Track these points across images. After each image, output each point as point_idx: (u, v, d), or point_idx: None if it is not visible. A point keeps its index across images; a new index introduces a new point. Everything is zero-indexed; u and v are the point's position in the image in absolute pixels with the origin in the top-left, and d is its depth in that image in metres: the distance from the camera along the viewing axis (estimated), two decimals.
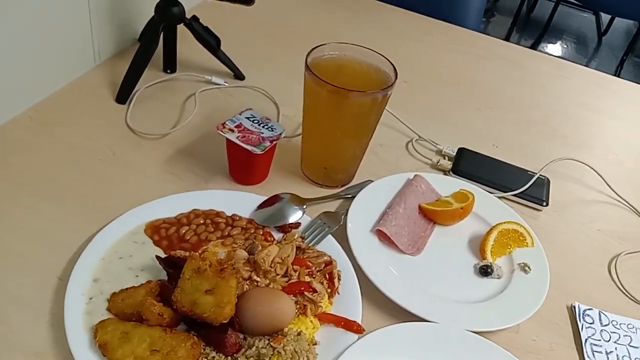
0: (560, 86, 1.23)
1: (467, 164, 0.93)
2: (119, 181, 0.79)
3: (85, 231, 0.70)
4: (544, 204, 0.89)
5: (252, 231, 0.74)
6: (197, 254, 0.64)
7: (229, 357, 0.58)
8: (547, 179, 0.93)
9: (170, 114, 0.92)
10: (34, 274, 0.65)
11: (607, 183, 0.94)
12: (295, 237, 0.72)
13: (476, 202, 0.82)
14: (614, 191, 0.94)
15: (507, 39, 3.19)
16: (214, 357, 0.58)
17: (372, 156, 0.91)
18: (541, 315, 0.71)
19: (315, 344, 0.62)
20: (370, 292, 0.69)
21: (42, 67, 0.87)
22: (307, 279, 0.67)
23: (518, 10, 3.35)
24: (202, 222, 0.73)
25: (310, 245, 0.72)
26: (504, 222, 0.80)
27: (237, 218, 0.75)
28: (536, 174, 0.92)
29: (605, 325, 0.73)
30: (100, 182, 0.78)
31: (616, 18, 3.53)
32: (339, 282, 0.68)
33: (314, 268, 0.68)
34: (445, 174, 0.92)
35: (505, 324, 0.69)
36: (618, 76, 1.32)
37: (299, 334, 0.61)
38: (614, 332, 0.73)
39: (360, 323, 0.65)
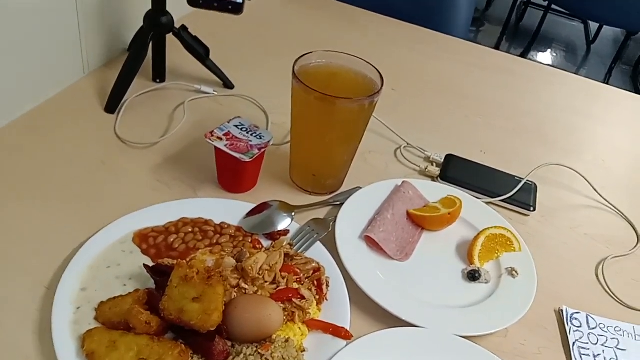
0: (549, 93, 1.25)
1: (455, 170, 0.93)
2: (107, 190, 0.79)
3: (74, 239, 0.70)
4: (531, 209, 0.90)
5: (241, 239, 0.74)
6: (185, 261, 0.64)
7: None
8: (535, 184, 0.94)
9: (160, 123, 0.92)
10: (22, 282, 0.65)
11: (594, 188, 0.95)
12: (284, 244, 0.72)
13: (464, 207, 0.83)
14: (601, 196, 0.95)
15: (497, 47, 3.22)
16: None
17: (361, 163, 0.91)
18: (529, 319, 0.72)
19: (304, 350, 0.62)
20: (359, 298, 0.69)
21: (32, 76, 0.87)
22: (295, 285, 0.67)
23: (507, 20, 3.39)
24: (190, 230, 0.73)
25: (298, 252, 0.72)
26: (492, 227, 0.80)
27: (226, 226, 0.75)
28: (523, 179, 0.93)
29: (593, 328, 0.74)
30: (89, 190, 0.78)
31: (604, 26, 3.57)
32: (327, 288, 0.69)
33: (302, 275, 0.68)
34: (433, 180, 0.93)
35: (493, 329, 0.69)
36: (607, 84, 1.34)
37: (287, 340, 0.61)
38: (602, 335, 0.73)
39: (348, 329, 0.65)
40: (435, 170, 0.94)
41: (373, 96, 0.75)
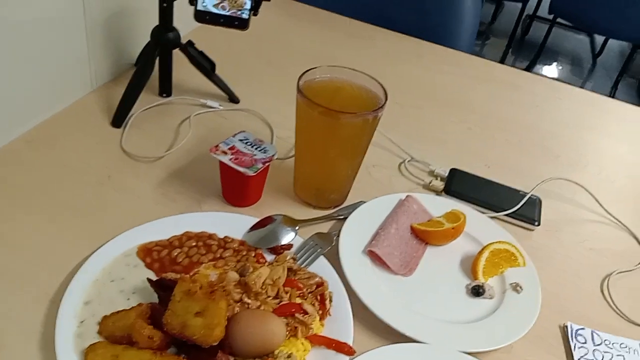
0: (554, 107, 1.25)
1: (459, 185, 0.93)
2: (113, 204, 0.80)
3: (79, 253, 0.70)
4: (536, 223, 0.89)
5: (244, 253, 0.74)
6: (188, 276, 0.64)
7: None
8: (539, 198, 0.94)
9: (165, 137, 0.93)
10: (26, 295, 0.66)
11: (598, 202, 0.95)
12: (287, 258, 0.72)
13: (468, 222, 0.83)
14: (606, 210, 0.95)
15: (502, 61, 3.23)
16: None
17: (365, 177, 0.92)
18: (534, 335, 0.71)
19: None
20: (362, 313, 0.69)
21: (39, 91, 0.88)
22: (299, 300, 0.67)
23: (513, 33, 3.40)
24: (194, 244, 0.74)
25: (302, 266, 0.73)
26: (496, 242, 0.80)
27: (229, 240, 0.76)
28: (528, 193, 0.93)
29: (598, 344, 0.73)
30: (94, 204, 0.79)
31: (610, 39, 3.58)
32: (330, 303, 0.68)
33: (305, 289, 0.69)
34: (437, 194, 0.93)
35: (497, 345, 0.69)
36: (613, 97, 1.34)
37: (289, 355, 0.61)
38: (607, 352, 0.72)
39: (351, 345, 0.65)
40: (440, 185, 0.94)
41: (377, 111, 0.75)
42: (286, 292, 0.67)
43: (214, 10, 0.84)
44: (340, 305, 0.69)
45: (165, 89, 1.00)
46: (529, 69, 3.36)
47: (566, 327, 0.75)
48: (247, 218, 0.79)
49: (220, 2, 0.84)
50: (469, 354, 0.66)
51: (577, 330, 0.74)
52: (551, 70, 3.58)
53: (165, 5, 0.90)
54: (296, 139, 0.82)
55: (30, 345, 0.61)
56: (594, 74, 3.62)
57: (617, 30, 2.85)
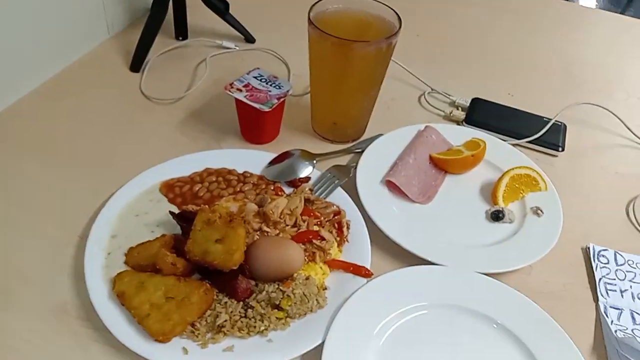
0: (584, 34, 1.20)
1: (481, 114, 0.92)
2: (135, 145, 0.82)
3: (104, 192, 0.73)
4: (560, 149, 0.88)
5: (263, 187, 0.76)
6: (207, 207, 0.66)
7: (241, 302, 0.61)
8: (564, 124, 0.92)
9: (183, 80, 0.94)
10: (56, 233, 0.69)
11: (626, 125, 0.92)
12: (305, 189, 0.73)
13: (489, 150, 0.82)
14: (634, 133, 0.92)
15: None
16: (226, 302, 0.61)
17: (384, 110, 0.91)
18: (554, 257, 0.71)
19: (325, 288, 0.64)
20: (380, 240, 0.70)
21: (56, 40, 0.89)
22: (316, 228, 0.68)
23: None
24: (214, 179, 0.75)
25: (319, 197, 0.74)
26: (516, 168, 0.79)
27: (249, 175, 0.77)
28: (551, 119, 0.90)
29: (621, 264, 0.73)
30: (117, 146, 0.81)
31: None
32: (348, 230, 0.70)
33: (322, 218, 0.70)
34: (458, 124, 0.92)
35: (516, 266, 0.69)
36: None
37: (307, 278, 0.62)
38: (630, 271, 0.72)
39: (369, 268, 0.66)
40: (461, 115, 0.92)
41: (390, 38, 0.74)
42: (304, 221, 0.68)
43: None
44: (358, 232, 0.70)
45: (181, 32, 1.00)
46: None
47: (588, 248, 0.74)
48: (265, 154, 0.80)
49: None
50: (488, 275, 0.67)
51: (599, 251, 0.74)
52: (588, 0, 3.39)
53: None
54: (310, 73, 0.81)
55: (62, 276, 0.64)
56: (634, 3, 3.43)
57: None
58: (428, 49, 1.08)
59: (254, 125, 0.82)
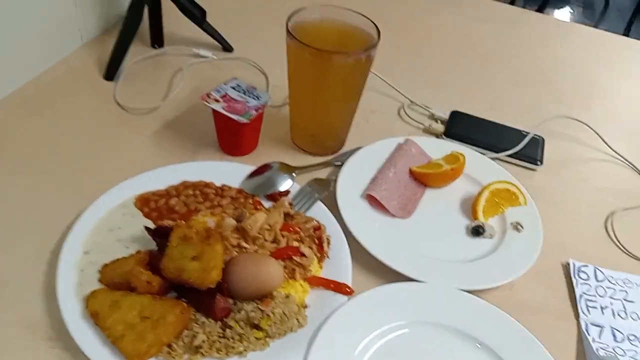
0: (561, 47, 1.21)
1: (460, 127, 0.92)
2: (109, 156, 0.79)
3: (77, 205, 0.70)
4: (538, 163, 0.88)
5: (242, 200, 0.74)
6: (184, 222, 0.64)
7: (219, 322, 0.59)
8: (542, 138, 0.92)
9: (158, 89, 0.91)
10: (28, 248, 0.66)
11: (603, 140, 0.93)
12: (284, 204, 0.72)
13: (469, 163, 0.81)
14: (611, 148, 0.93)
15: (511, 4, 3.13)
16: (204, 322, 0.59)
17: (363, 123, 0.90)
18: (535, 273, 0.71)
19: (306, 306, 0.63)
20: (361, 255, 0.69)
21: (29, 48, 0.86)
22: (296, 244, 0.67)
23: None
24: (191, 193, 0.73)
25: (299, 211, 0.72)
26: (496, 182, 0.79)
27: (227, 188, 0.75)
28: (530, 133, 0.91)
29: (601, 281, 0.73)
30: (90, 158, 0.78)
31: None
32: (328, 246, 0.68)
33: (302, 233, 0.68)
34: (437, 137, 0.91)
35: (497, 282, 0.68)
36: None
37: (287, 296, 0.61)
38: (610, 288, 0.72)
39: (350, 285, 0.65)
40: (440, 128, 0.92)
41: (369, 50, 0.73)
42: (283, 237, 0.67)
43: None
44: (339, 248, 0.69)
45: (157, 39, 0.98)
46: (539, 12, 3.26)
47: (568, 264, 0.74)
48: (244, 166, 0.78)
49: None
50: (469, 292, 0.66)
51: (579, 267, 0.74)
52: (563, 13, 3.47)
53: None
54: (289, 84, 0.80)
55: (33, 294, 0.62)
56: (607, 16, 3.51)
57: None
58: (407, 61, 1.08)
59: (232, 136, 0.80)
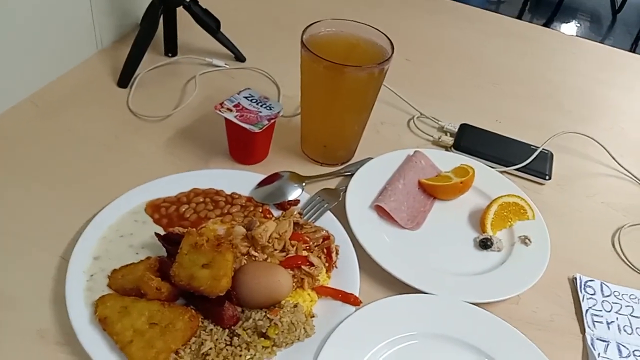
0: (569, 62, 1.22)
1: (469, 140, 0.92)
2: (120, 163, 0.80)
3: (87, 211, 0.71)
4: (547, 177, 0.88)
5: (252, 209, 0.74)
6: (195, 229, 0.65)
7: (227, 330, 0.59)
8: (551, 152, 0.92)
9: (171, 97, 0.92)
10: (37, 253, 0.67)
11: (611, 155, 0.93)
12: (294, 213, 0.73)
13: (477, 176, 0.82)
14: (619, 164, 0.93)
15: (519, 18, 3.14)
16: (212, 329, 0.59)
17: (373, 134, 0.91)
18: (542, 287, 0.71)
19: (313, 316, 0.63)
20: (369, 266, 0.69)
21: (45, 53, 0.88)
22: (305, 253, 0.67)
23: None
24: (201, 200, 0.74)
25: (308, 221, 0.73)
26: (505, 196, 0.79)
27: (237, 196, 0.76)
28: (539, 148, 0.91)
29: (607, 296, 0.73)
30: (102, 164, 0.79)
31: None
32: (337, 256, 0.69)
33: (311, 243, 0.69)
34: (446, 150, 0.92)
35: (504, 295, 0.69)
36: (633, 52, 1.30)
37: (295, 305, 0.61)
38: (616, 303, 0.72)
39: (357, 295, 0.65)
40: (449, 140, 0.93)
41: (383, 64, 0.74)
42: (292, 246, 0.67)
43: None
44: (347, 258, 0.69)
45: (171, 48, 0.99)
46: (546, 26, 3.27)
47: (575, 278, 0.74)
48: (254, 175, 0.79)
49: None
50: (476, 304, 0.66)
51: (586, 282, 0.74)
52: (569, 28, 3.48)
53: None
54: (302, 95, 0.81)
55: (42, 299, 0.62)
56: (613, 31, 3.52)
57: None
58: (418, 74, 1.09)
59: (243, 145, 0.81)
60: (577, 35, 2.65)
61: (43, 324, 0.60)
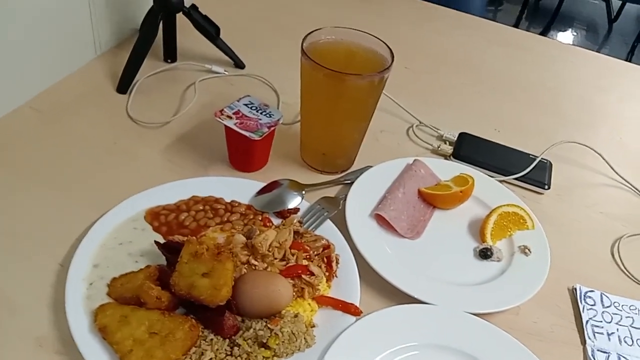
0: (567, 71, 1.22)
1: (468, 149, 0.92)
2: (119, 170, 0.80)
3: (87, 218, 0.71)
4: (546, 187, 0.88)
5: (251, 217, 0.74)
6: (195, 238, 0.64)
7: (227, 339, 0.59)
8: (550, 162, 0.93)
9: (171, 103, 0.92)
10: (36, 260, 0.66)
11: (610, 166, 0.93)
12: (294, 222, 0.72)
13: (477, 185, 0.82)
14: (618, 174, 0.93)
15: (515, 26, 3.16)
16: (212, 339, 0.59)
17: (372, 142, 0.91)
18: (542, 297, 0.71)
19: (313, 326, 0.63)
20: (369, 275, 0.69)
21: (44, 58, 0.87)
22: (305, 262, 0.67)
23: None
24: (201, 208, 0.74)
25: (308, 229, 0.72)
26: (504, 205, 0.79)
27: (236, 204, 0.75)
28: (538, 157, 0.91)
29: (607, 306, 0.73)
30: (101, 170, 0.79)
31: (627, 4, 3.47)
32: (337, 265, 0.69)
33: (311, 252, 0.69)
34: (446, 158, 0.92)
35: (505, 306, 0.68)
36: (629, 62, 1.31)
37: (296, 315, 0.61)
38: (616, 314, 0.72)
39: (358, 305, 0.65)
40: (448, 149, 0.93)
41: (383, 72, 0.74)
42: (293, 255, 0.67)
43: None
44: (347, 267, 0.69)
45: (170, 54, 0.99)
46: (542, 35, 3.28)
47: (575, 289, 0.74)
48: (253, 183, 0.78)
49: None
50: (476, 315, 0.66)
51: (586, 293, 0.74)
52: (566, 36, 3.50)
53: None
54: (301, 102, 0.81)
55: (41, 308, 0.62)
56: (609, 40, 3.54)
57: None
58: (417, 82, 1.09)
59: (243, 153, 0.81)
60: (573, 44, 2.67)
61: (42, 331, 0.60)
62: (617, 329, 0.70)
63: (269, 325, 0.59)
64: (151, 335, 0.57)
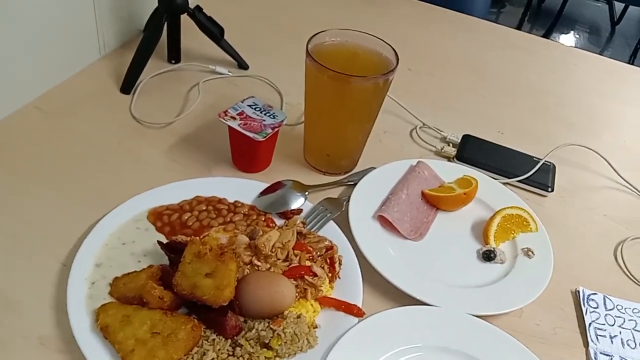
0: (570, 73, 1.22)
1: (472, 151, 0.92)
2: (123, 169, 0.80)
3: (90, 218, 0.71)
4: (549, 189, 0.88)
5: (254, 217, 0.74)
6: (198, 238, 0.64)
7: (229, 340, 0.59)
8: (553, 165, 0.92)
9: (174, 104, 0.92)
10: (39, 259, 0.66)
11: (613, 169, 0.93)
12: (297, 222, 0.72)
13: (480, 188, 0.82)
14: (621, 177, 0.93)
15: (518, 29, 3.16)
16: (214, 339, 0.59)
17: (376, 143, 0.91)
18: (545, 300, 0.71)
19: (316, 327, 0.62)
20: (372, 277, 0.69)
21: (48, 58, 0.88)
22: (308, 263, 0.67)
23: (529, 0, 3.32)
24: (204, 208, 0.74)
25: (311, 230, 0.72)
26: (508, 208, 0.79)
27: (239, 205, 0.75)
28: (541, 160, 0.91)
29: (610, 309, 0.73)
30: (104, 170, 0.79)
31: (630, 6, 3.47)
32: (339, 266, 0.68)
33: (314, 253, 0.68)
34: (449, 160, 0.92)
35: (507, 308, 0.68)
36: (632, 65, 1.31)
37: (298, 316, 0.61)
38: (619, 317, 0.72)
39: (360, 307, 0.65)
40: (452, 151, 0.93)
41: (387, 74, 0.74)
42: (296, 255, 0.67)
43: None
44: (350, 268, 0.69)
45: (174, 55, 0.99)
46: (545, 37, 3.28)
47: (578, 292, 0.74)
48: (257, 183, 0.78)
49: None
50: (479, 317, 0.66)
51: (589, 295, 0.74)
52: (568, 38, 3.50)
53: None
54: (306, 104, 0.81)
55: (43, 307, 0.62)
56: (612, 43, 3.54)
57: None
58: (420, 84, 1.09)
59: (247, 154, 0.81)
60: (576, 47, 2.66)
61: (44, 330, 0.60)
62: (620, 332, 0.70)
63: (271, 325, 0.59)
64: (153, 335, 0.57)
